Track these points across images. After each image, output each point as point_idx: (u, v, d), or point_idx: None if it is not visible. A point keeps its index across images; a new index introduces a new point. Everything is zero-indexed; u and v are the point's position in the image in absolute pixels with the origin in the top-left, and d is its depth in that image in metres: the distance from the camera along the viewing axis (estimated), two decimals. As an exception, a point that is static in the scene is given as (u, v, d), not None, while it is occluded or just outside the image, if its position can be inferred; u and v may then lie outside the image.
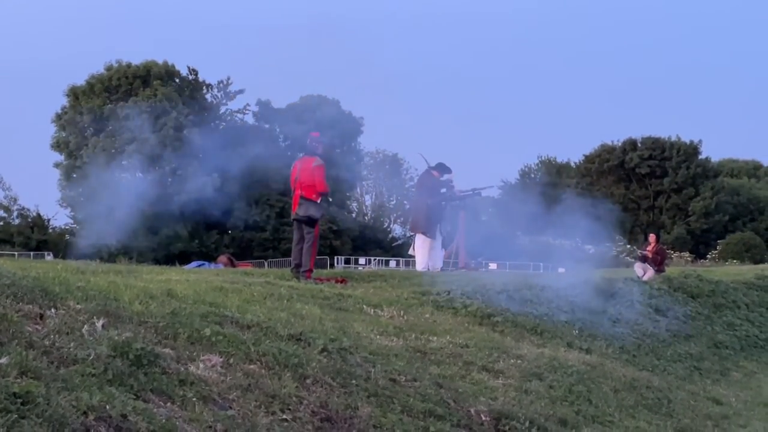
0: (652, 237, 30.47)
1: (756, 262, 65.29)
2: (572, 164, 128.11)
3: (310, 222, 18.49)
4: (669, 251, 45.67)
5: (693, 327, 23.88)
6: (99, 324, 7.59)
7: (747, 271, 36.77)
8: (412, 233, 26.36)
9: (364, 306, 14.67)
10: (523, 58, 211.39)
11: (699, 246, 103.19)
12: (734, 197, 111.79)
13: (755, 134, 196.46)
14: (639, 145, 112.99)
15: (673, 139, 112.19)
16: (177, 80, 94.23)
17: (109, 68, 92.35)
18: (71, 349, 6.76)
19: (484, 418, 9.58)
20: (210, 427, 6.56)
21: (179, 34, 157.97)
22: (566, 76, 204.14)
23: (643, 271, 27.96)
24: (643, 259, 28.83)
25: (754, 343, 25.16)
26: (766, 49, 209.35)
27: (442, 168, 24.76)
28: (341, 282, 18.08)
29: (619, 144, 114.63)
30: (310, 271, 18.27)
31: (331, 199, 19.24)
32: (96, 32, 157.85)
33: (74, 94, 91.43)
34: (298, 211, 18.46)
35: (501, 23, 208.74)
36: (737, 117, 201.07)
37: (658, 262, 28.54)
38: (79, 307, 8.06)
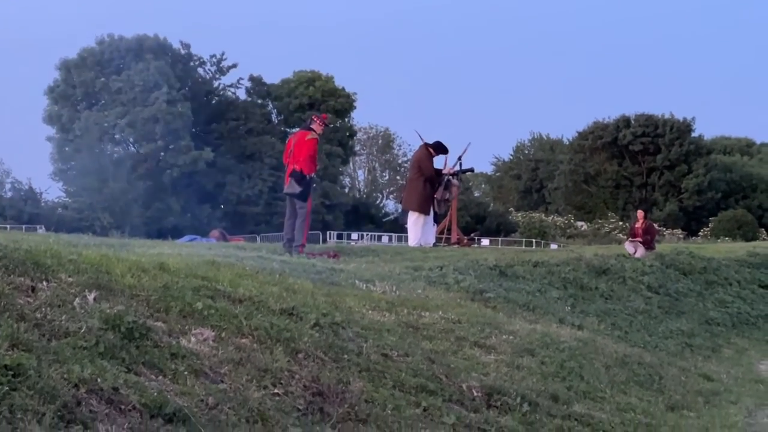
0: (640, 214, 30.55)
1: (748, 240, 65.46)
2: (565, 141, 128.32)
3: (302, 196, 18.44)
4: (661, 228, 45.64)
5: (685, 304, 23.95)
6: (90, 297, 7.58)
7: (739, 248, 36.84)
8: (405, 209, 26.39)
9: (357, 281, 14.65)
10: (516, 35, 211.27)
11: (691, 223, 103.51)
12: (727, 174, 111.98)
13: (747, 112, 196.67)
14: (632, 122, 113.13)
15: (667, 116, 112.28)
16: (169, 54, 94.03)
17: (101, 42, 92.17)
18: (63, 322, 6.75)
19: (475, 394, 9.58)
20: (201, 400, 6.55)
21: (173, 6, 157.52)
22: (560, 52, 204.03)
23: (634, 248, 28.01)
24: (633, 236, 28.89)
25: (745, 320, 25.25)
26: (758, 27, 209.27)
27: (440, 147, 24.80)
28: (333, 257, 18.10)
29: (612, 121, 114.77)
30: (303, 245, 18.26)
31: (311, 178, 19.08)
32: (89, 5, 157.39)
33: (67, 67, 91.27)
34: (291, 185, 18.40)
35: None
36: (730, 94, 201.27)
37: (647, 241, 28.58)
38: (70, 279, 8.05)
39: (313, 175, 19.07)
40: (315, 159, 19.08)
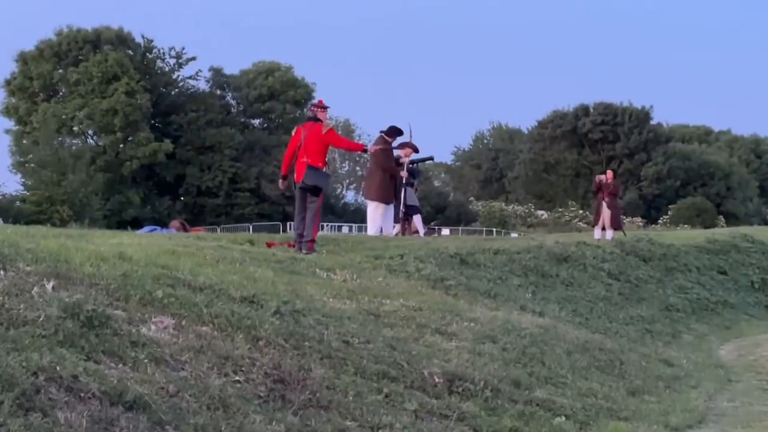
0: (609, 174, 30.76)
1: (706, 227, 65.84)
2: (524, 130, 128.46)
3: (316, 191, 17.98)
4: (622, 217, 45.95)
5: (645, 290, 24.06)
6: (49, 286, 7.53)
7: (698, 235, 37.06)
8: (366, 199, 26.31)
9: (317, 269, 14.62)
10: (474, 23, 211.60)
11: (651, 211, 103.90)
12: (685, 162, 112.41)
13: (705, 100, 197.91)
14: (591, 110, 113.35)
15: (625, 104, 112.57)
16: (129, 46, 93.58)
17: (59, 33, 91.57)
18: (21, 311, 6.71)
19: (437, 380, 9.59)
20: (162, 388, 6.53)
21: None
22: (518, 41, 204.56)
23: (600, 233, 28.11)
24: (598, 187, 29.04)
25: (704, 306, 25.40)
26: (714, 17, 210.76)
27: (394, 131, 24.57)
28: (292, 246, 17.93)
29: (572, 110, 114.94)
30: (313, 241, 17.79)
31: (326, 171, 18.87)
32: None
33: (24, 59, 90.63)
34: (305, 179, 17.79)
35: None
36: (688, 83, 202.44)
37: (611, 201, 28.64)
38: (29, 269, 7.99)
39: (365, 148, 18.87)
40: (349, 141, 18.92)
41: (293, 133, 18.73)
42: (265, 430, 6.68)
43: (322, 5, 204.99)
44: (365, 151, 20.74)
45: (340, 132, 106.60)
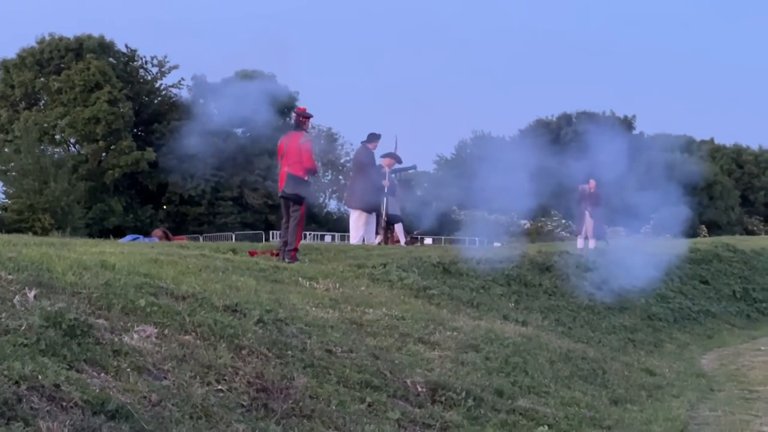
0: (592, 182, 30.74)
1: (688, 236, 65.90)
2: (507, 139, 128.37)
3: (298, 200, 18.01)
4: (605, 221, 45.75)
5: (627, 299, 24.04)
6: (31, 294, 7.50)
7: (680, 244, 37.06)
8: (348, 208, 26.25)
9: (300, 278, 14.61)
10: (457, 30, 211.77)
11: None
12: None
13: (687, 109, 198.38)
14: (574, 119, 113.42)
15: (608, 113, 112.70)
16: (110, 54, 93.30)
17: (41, 41, 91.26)
18: (3, 320, 6.69)
19: (420, 389, 9.59)
20: (144, 397, 6.52)
21: (114, 7, 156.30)
22: (500, 50, 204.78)
23: (583, 243, 28.09)
24: (581, 197, 28.99)
25: (686, 315, 25.39)
26: (696, 23, 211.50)
27: (373, 137, 24.56)
28: (276, 255, 17.93)
29: (554, 119, 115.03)
30: (296, 250, 17.79)
31: (308, 180, 18.71)
32: (28, 4, 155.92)
33: (5, 67, 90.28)
34: (285, 188, 17.89)
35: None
36: (670, 92, 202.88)
37: (595, 201, 28.62)
38: (10, 277, 7.96)
39: (315, 169, 18.73)
40: (312, 154, 18.81)
41: (279, 143, 18.73)
42: (248, 439, 6.68)
43: (303, 13, 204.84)
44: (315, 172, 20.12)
45: (323, 141, 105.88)
